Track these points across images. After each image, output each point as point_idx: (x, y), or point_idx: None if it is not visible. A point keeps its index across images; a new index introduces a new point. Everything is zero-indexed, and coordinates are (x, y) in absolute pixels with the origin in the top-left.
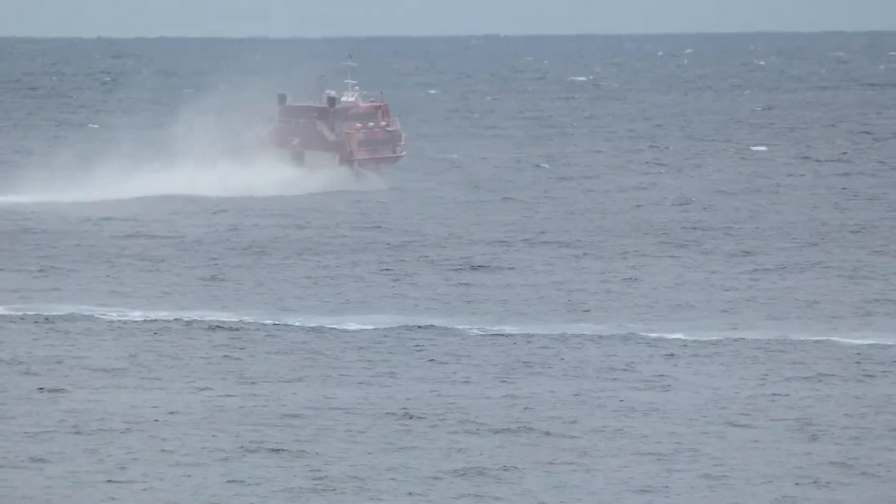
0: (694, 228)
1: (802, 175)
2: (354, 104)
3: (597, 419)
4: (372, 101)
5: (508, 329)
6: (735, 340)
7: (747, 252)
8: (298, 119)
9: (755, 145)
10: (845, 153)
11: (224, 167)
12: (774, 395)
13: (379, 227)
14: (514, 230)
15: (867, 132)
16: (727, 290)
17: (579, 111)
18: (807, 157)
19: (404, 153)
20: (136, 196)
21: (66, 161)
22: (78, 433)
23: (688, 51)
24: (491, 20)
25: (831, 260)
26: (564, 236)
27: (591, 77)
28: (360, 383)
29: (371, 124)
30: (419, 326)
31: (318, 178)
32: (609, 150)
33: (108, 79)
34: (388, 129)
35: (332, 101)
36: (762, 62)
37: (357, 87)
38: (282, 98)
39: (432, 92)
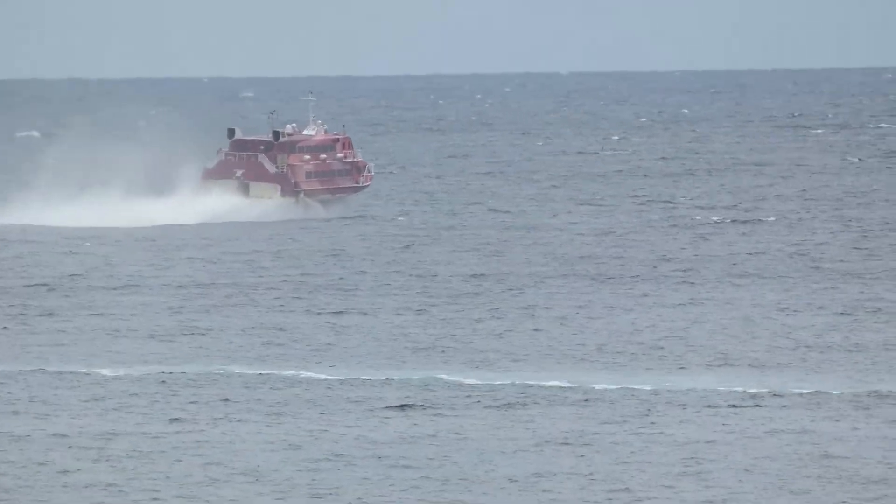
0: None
1: None
2: (304, 137)
3: None
4: (333, 134)
5: None
6: None
7: None
8: (244, 152)
9: None
10: None
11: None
12: None
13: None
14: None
15: None
16: None
17: None
18: None
19: (369, 183)
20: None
21: None
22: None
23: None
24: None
25: None
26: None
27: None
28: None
29: (323, 156)
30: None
31: (259, 208)
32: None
33: None
34: (346, 160)
35: (276, 134)
36: None
37: (320, 122)
38: (231, 132)
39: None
